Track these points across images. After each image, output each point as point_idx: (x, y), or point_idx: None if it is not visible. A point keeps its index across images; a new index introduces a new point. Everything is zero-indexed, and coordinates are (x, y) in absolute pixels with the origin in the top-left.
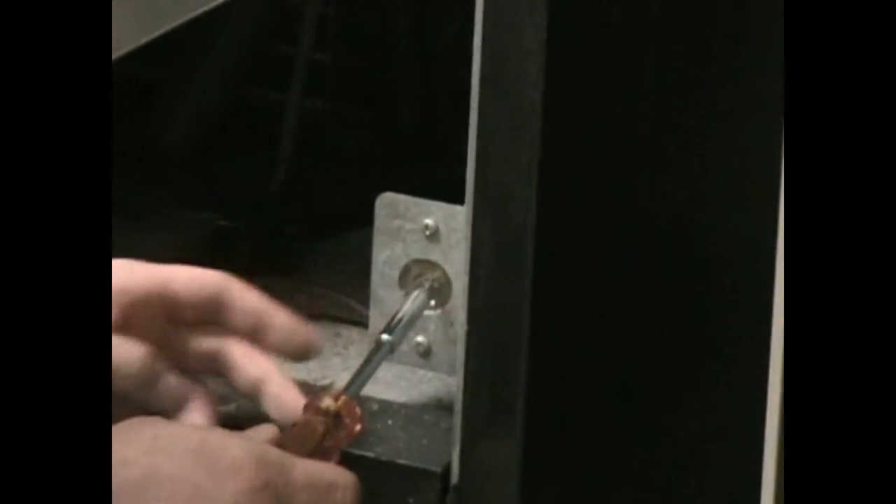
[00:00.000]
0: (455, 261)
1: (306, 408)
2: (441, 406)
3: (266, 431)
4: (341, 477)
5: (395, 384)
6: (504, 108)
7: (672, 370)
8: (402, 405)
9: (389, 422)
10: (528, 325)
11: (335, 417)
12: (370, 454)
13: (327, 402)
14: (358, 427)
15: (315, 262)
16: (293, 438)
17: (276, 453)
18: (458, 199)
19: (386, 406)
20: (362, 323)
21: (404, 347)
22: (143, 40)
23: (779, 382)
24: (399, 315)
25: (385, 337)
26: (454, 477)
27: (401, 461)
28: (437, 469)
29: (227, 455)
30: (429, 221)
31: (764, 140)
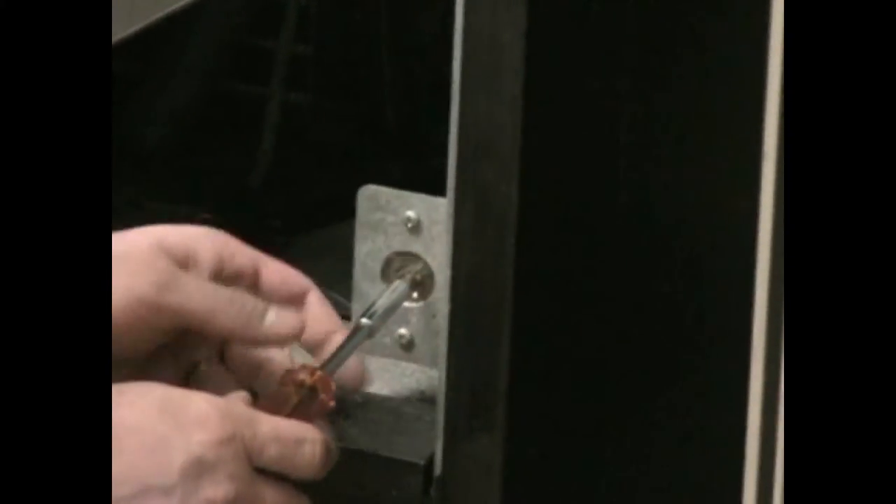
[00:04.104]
0: (437, 253)
1: (282, 380)
2: (424, 398)
3: (238, 398)
4: (309, 432)
5: (378, 377)
6: (485, 100)
7: (655, 361)
8: (386, 398)
9: (373, 414)
10: (510, 317)
11: (310, 391)
12: (353, 446)
13: (303, 375)
14: (332, 403)
15: (297, 256)
16: (267, 406)
17: (242, 407)
18: (440, 191)
19: (369, 398)
20: (345, 316)
21: (387, 340)
22: (123, 35)
23: (760, 375)
24: (379, 301)
25: (364, 321)
26: (437, 469)
27: (384, 453)
28: (420, 461)
29: (192, 407)
30: (411, 214)
31: (745, 130)
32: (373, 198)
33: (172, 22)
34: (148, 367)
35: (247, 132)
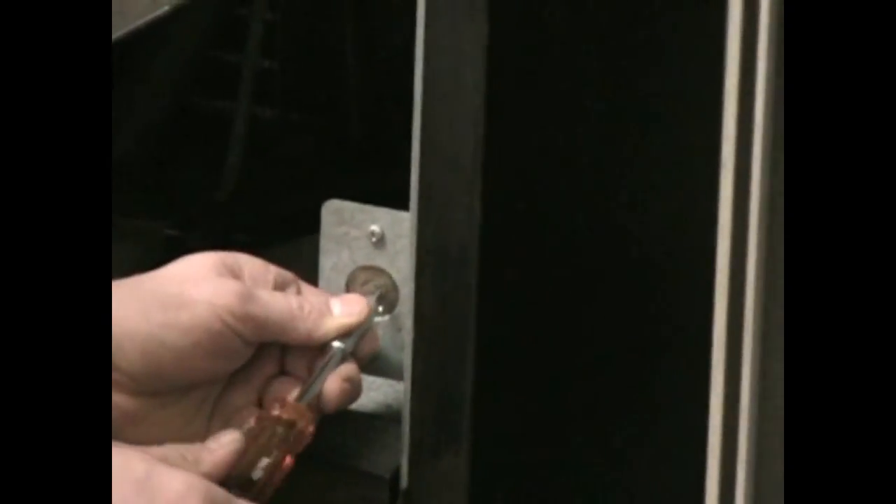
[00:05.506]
0: (401, 267)
1: (260, 418)
2: (390, 412)
3: (228, 439)
4: None
5: None
6: (447, 113)
7: (621, 372)
8: (352, 411)
9: (339, 427)
10: (474, 330)
11: (289, 425)
12: (320, 460)
13: (282, 411)
14: (311, 433)
15: None
16: (251, 449)
17: (219, 493)
18: (406, 205)
19: (336, 412)
20: None
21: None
22: None
23: (720, 386)
24: None
25: (337, 344)
26: (403, 482)
27: (350, 467)
28: (386, 475)
29: (169, 489)
30: (375, 228)
31: (703, 140)
32: (337, 212)
33: (139, 37)
34: (227, 390)
35: (213, 146)
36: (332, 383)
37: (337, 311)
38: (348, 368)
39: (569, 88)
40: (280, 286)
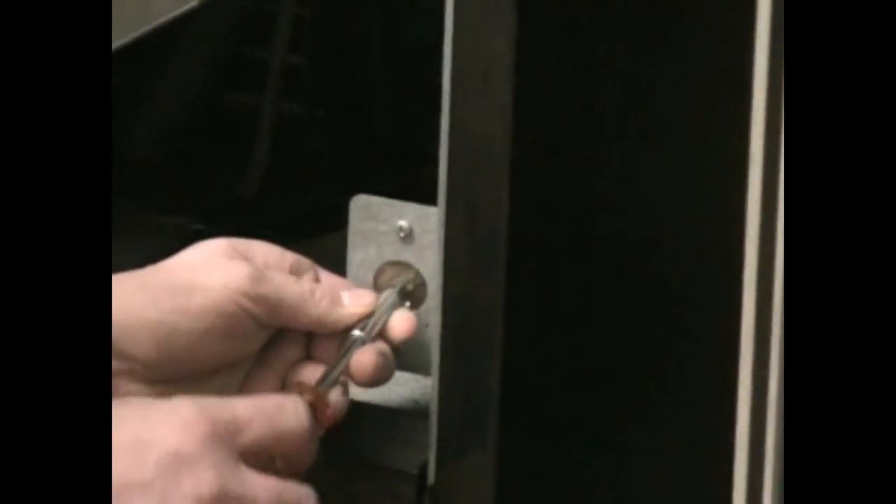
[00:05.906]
0: (429, 262)
1: None
2: (417, 407)
3: None
4: (288, 398)
5: None
6: (475, 110)
7: (649, 370)
8: (379, 407)
9: (366, 423)
10: (501, 326)
11: (311, 407)
12: (346, 455)
13: (301, 396)
14: (331, 419)
15: None
16: None
17: (214, 398)
18: (432, 200)
19: (362, 408)
20: None
21: None
22: (115, 46)
23: (749, 379)
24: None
25: (357, 333)
26: (430, 478)
27: (377, 462)
28: (414, 470)
29: (167, 406)
30: (402, 223)
31: (730, 139)
32: (365, 207)
33: (165, 32)
34: (250, 377)
35: (240, 142)
36: (367, 355)
37: (346, 300)
38: (382, 345)
39: (597, 84)
40: (296, 272)
